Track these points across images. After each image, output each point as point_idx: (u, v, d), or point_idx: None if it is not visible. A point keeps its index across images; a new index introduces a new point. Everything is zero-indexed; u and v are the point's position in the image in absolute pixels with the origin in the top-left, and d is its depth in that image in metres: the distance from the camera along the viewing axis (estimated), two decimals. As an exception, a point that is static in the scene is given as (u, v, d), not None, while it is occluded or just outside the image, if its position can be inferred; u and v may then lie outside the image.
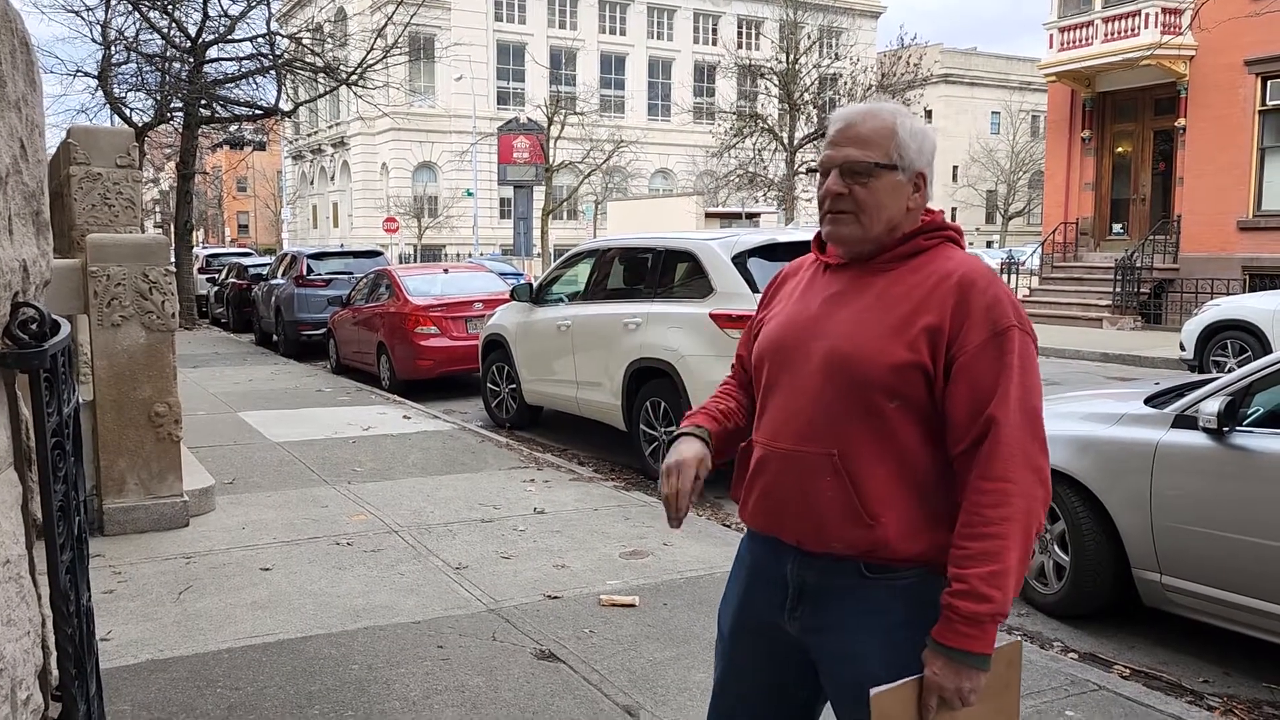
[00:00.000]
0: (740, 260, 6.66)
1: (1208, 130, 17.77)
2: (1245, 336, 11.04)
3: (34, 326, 1.77)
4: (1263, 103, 17.14)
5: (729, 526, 5.84)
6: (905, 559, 1.72)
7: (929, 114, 42.64)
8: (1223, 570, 3.77)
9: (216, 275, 24.23)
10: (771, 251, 6.73)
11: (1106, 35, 18.88)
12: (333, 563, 4.95)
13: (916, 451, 1.72)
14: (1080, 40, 19.40)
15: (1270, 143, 17.30)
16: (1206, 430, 3.76)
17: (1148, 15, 18.21)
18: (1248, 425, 3.78)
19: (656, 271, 7.42)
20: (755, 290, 6.48)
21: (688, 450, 1.86)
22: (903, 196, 1.79)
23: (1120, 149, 20.61)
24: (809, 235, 6.97)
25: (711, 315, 6.57)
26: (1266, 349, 10.74)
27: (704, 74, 56.78)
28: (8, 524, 1.65)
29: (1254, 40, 16.09)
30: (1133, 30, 18.39)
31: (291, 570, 4.82)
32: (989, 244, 56.32)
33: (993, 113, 62.12)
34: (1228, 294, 14.98)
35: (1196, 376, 5.77)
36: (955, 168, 59.75)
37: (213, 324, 22.45)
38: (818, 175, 1.86)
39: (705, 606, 4.34)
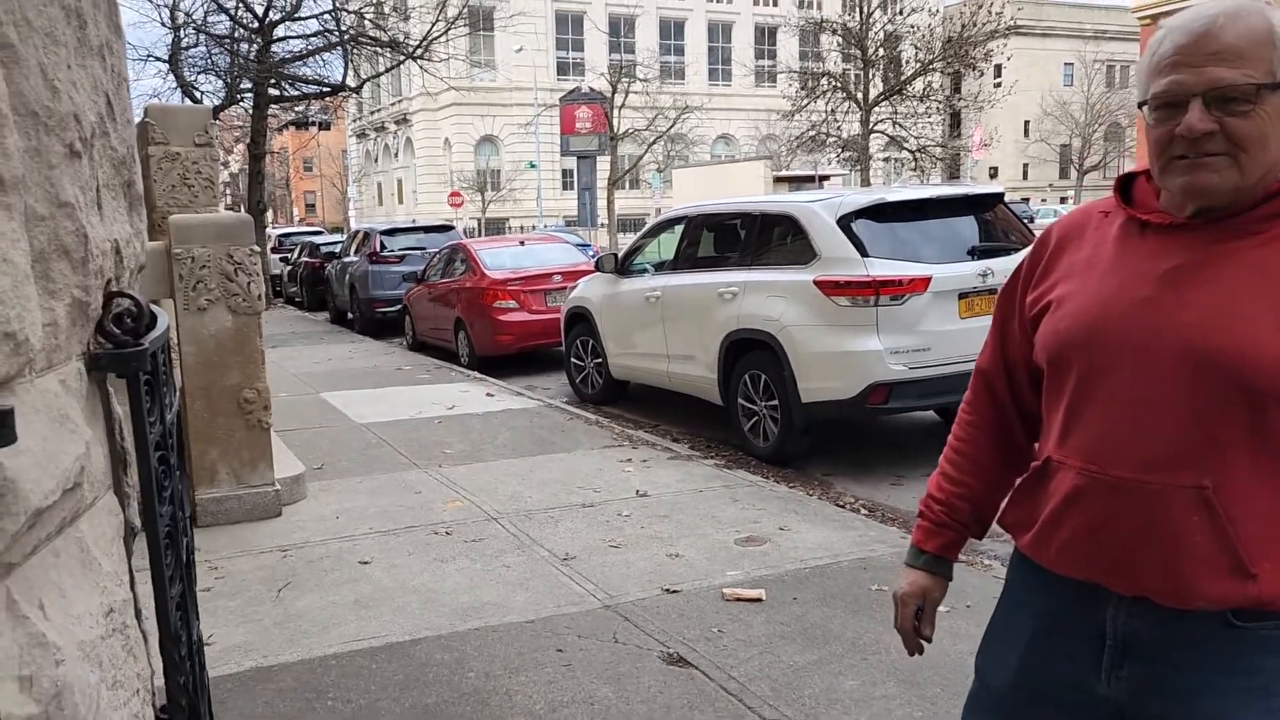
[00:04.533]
0: (845, 222, 6.22)
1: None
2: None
3: (130, 321, 1.47)
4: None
5: (843, 507, 5.46)
6: None
7: (998, 68, 41.07)
8: None
9: (289, 255, 24.37)
10: (880, 213, 6.26)
11: (1207, -28, 17.74)
12: (433, 554, 4.69)
13: None
14: (1177, -21, 18.29)
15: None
16: None
17: (1252, -51, 17.04)
18: None
19: (752, 237, 7.01)
20: (865, 254, 6.05)
21: (905, 587, 1.70)
22: None
23: (1219, 94, 19.47)
24: (921, 193, 6.42)
25: (816, 282, 6.15)
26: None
27: (764, 36, 55.59)
28: (109, 563, 1.35)
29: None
30: (1236, -34, 17.24)
31: (392, 563, 4.58)
32: (1063, 200, 54.42)
33: (1065, 64, 59.88)
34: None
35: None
36: (1027, 123, 57.76)
37: (287, 303, 22.59)
38: (1146, 110, 1.37)
39: (839, 601, 3.98)
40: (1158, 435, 1.33)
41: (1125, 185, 1.48)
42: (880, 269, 5.95)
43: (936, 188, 7.32)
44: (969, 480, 1.66)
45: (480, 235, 44.17)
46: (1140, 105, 1.38)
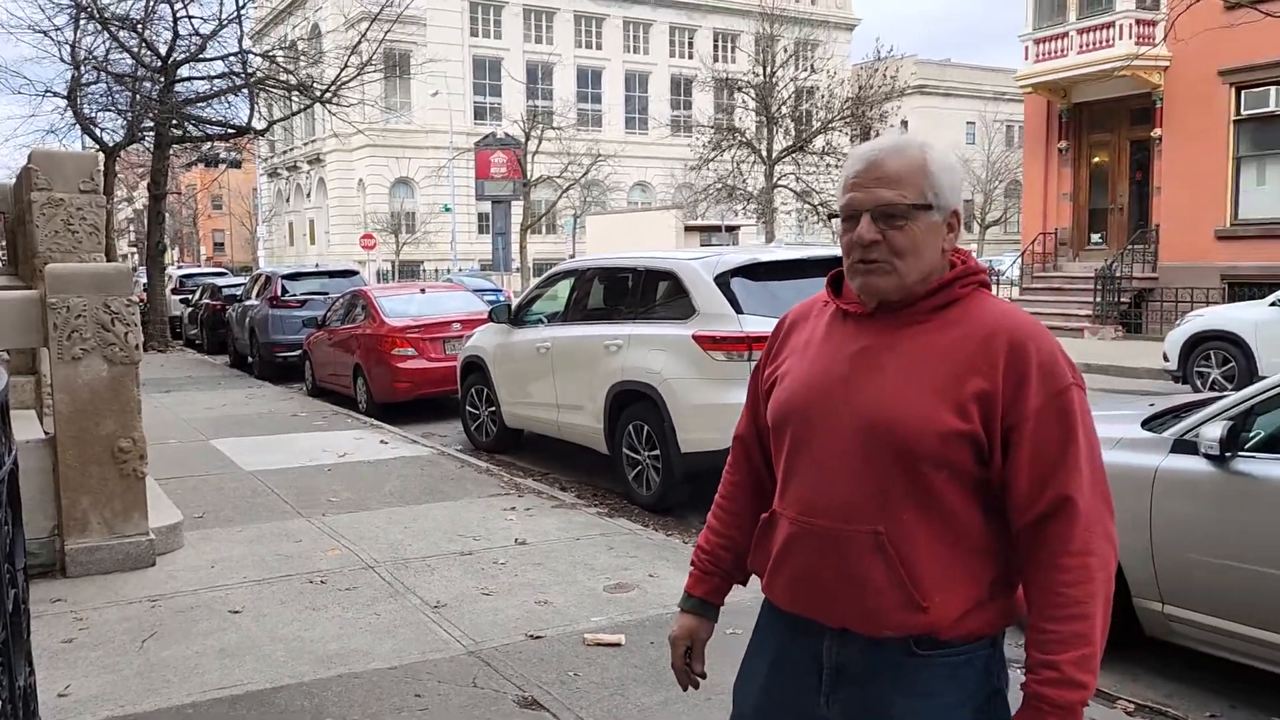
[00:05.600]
0: (723, 280, 6.53)
1: (1184, 140, 17.84)
2: (1229, 347, 11.01)
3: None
4: (1237, 112, 17.22)
5: (716, 554, 5.68)
6: (959, 637, 1.59)
7: (905, 125, 43.11)
8: (1226, 600, 3.66)
9: (190, 296, 23.89)
10: (754, 271, 6.60)
11: (1082, 46, 18.96)
12: (305, 603, 4.75)
13: (967, 522, 1.59)
14: (1056, 51, 19.48)
15: (1246, 152, 17.39)
16: (1208, 456, 3.65)
17: (1122, 26, 18.30)
18: (1249, 450, 3.67)
19: (638, 292, 7.28)
20: (739, 311, 6.35)
21: (675, 629, 1.93)
22: (938, 239, 1.63)
23: (1097, 159, 20.69)
24: (794, 253, 6.77)
25: (694, 337, 6.43)
26: (1250, 359, 10.71)
27: (681, 87, 56.84)
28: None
29: (1228, 50, 16.16)
30: (1107, 41, 18.47)
31: (262, 612, 4.63)
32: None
33: (968, 123, 62.53)
34: (1207, 303, 15.01)
35: (1193, 396, 5.67)
36: (932, 178, 60.03)
37: (187, 346, 22.12)
38: (839, 221, 1.67)
39: (694, 644, 4.17)
40: (845, 490, 1.61)
41: (837, 278, 1.76)
42: (753, 325, 6.25)
43: (809, 248, 7.71)
44: (731, 533, 1.90)
45: (395, 278, 43.90)
46: (830, 217, 1.68)
